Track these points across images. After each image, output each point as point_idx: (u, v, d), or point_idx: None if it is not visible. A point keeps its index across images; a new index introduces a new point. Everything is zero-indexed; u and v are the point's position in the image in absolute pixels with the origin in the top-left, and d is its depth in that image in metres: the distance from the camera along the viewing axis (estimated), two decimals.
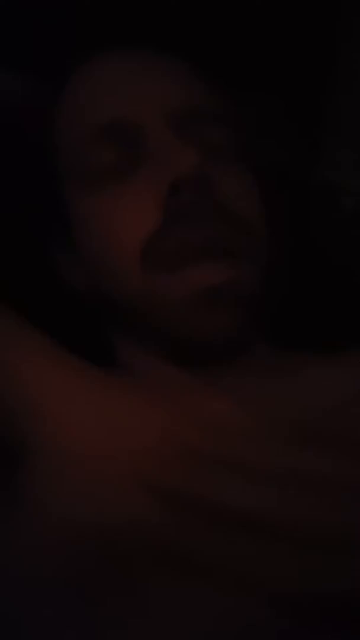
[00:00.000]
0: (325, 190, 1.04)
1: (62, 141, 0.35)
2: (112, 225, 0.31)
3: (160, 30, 0.37)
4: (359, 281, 0.46)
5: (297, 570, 0.22)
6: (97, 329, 0.38)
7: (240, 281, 0.30)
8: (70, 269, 0.37)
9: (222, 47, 0.44)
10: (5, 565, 0.25)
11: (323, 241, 0.52)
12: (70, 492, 0.25)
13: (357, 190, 1.08)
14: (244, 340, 0.33)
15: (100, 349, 0.36)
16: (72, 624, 0.22)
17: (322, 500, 0.23)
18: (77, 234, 0.35)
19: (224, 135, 0.34)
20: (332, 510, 0.23)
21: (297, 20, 0.53)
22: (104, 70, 0.35)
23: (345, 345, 0.37)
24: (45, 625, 0.23)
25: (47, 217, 0.37)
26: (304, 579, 0.21)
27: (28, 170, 0.37)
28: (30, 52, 0.40)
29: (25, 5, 0.41)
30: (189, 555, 0.21)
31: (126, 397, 0.30)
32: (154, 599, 0.22)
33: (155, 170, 0.30)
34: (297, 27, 0.54)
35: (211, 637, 0.21)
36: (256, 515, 0.23)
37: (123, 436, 0.28)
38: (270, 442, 0.26)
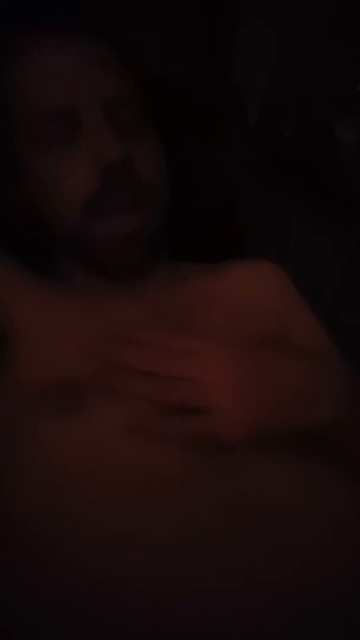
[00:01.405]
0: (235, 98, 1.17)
1: (15, 109, 0.45)
2: (59, 180, 0.44)
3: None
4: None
5: None
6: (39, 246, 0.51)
7: (145, 228, 0.46)
8: (17, 197, 0.49)
9: None
10: None
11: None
12: (37, 361, 0.41)
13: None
14: (148, 262, 0.49)
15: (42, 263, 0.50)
16: None
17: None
18: (26, 175, 0.46)
19: (139, 115, 0.46)
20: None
21: None
22: (48, 59, 0.44)
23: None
24: None
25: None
26: None
27: None
28: None
29: None
30: (107, 387, 0.38)
31: (66, 298, 0.46)
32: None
33: (92, 148, 0.43)
34: None
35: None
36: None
37: (67, 323, 0.44)
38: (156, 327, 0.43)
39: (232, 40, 1.17)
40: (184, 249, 0.57)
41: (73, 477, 0.35)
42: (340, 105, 1.27)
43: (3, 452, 0.38)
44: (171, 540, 0.32)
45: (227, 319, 0.46)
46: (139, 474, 0.35)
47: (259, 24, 1.12)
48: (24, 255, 0.48)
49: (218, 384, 0.37)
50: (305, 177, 1.02)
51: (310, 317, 0.53)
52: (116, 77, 0.45)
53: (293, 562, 0.33)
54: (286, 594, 0.31)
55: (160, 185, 0.47)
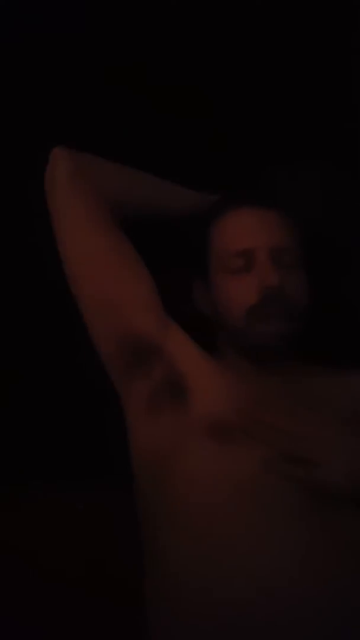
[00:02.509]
0: None
1: (214, 247, 0.70)
2: (234, 294, 0.66)
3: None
4: None
5: None
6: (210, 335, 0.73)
7: (289, 332, 0.65)
8: (200, 296, 0.72)
9: None
10: None
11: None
12: (205, 405, 0.61)
13: None
14: (287, 355, 0.68)
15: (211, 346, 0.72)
16: None
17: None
18: (212, 287, 0.70)
19: (294, 258, 0.67)
20: None
21: None
22: (237, 220, 0.68)
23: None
24: None
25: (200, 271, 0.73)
26: None
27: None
28: None
29: None
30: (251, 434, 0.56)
31: (227, 374, 0.67)
32: None
33: (258, 275, 0.65)
34: None
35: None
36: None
37: (226, 384, 0.64)
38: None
39: None
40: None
41: (221, 487, 0.53)
42: None
43: (171, 469, 0.58)
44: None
45: (343, 406, 0.62)
46: (268, 495, 0.52)
47: None
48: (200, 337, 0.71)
49: (331, 446, 0.53)
50: None
51: None
52: (282, 232, 0.68)
53: None
54: None
55: (302, 306, 0.67)
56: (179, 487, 0.57)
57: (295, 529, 0.50)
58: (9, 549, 0.75)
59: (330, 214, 0.82)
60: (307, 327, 0.70)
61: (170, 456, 0.59)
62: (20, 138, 0.85)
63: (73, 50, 0.88)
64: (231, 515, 0.52)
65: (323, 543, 0.49)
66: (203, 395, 0.62)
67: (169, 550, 0.56)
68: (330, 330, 0.79)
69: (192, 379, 0.64)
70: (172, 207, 0.74)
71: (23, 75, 0.89)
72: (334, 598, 0.47)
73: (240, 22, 0.89)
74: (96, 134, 0.78)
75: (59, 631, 0.70)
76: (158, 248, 0.75)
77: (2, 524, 0.77)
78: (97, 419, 0.81)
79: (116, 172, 0.72)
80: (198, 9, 0.88)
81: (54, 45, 0.88)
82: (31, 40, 0.88)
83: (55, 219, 0.69)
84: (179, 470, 0.58)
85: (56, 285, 0.71)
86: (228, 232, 0.69)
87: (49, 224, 0.70)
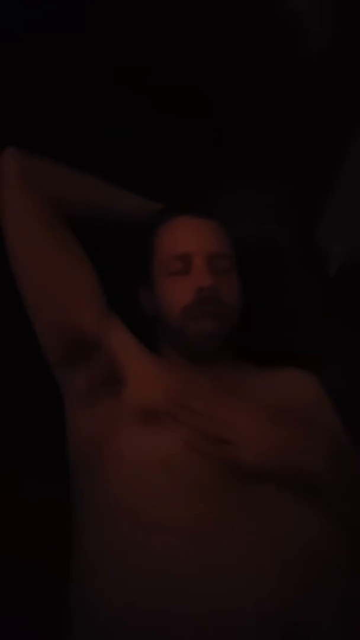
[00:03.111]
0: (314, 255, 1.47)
1: (156, 250, 0.76)
2: (171, 294, 0.72)
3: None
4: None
5: None
6: (152, 333, 0.79)
7: (219, 331, 0.71)
8: (146, 304, 0.78)
9: None
10: None
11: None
12: (138, 392, 0.65)
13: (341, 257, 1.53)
14: (217, 355, 0.74)
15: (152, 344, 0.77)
16: None
17: None
18: (154, 289, 0.75)
19: (228, 263, 0.74)
20: None
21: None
22: (179, 227, 0.75)
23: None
24: None
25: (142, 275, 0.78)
26: None
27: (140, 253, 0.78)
28: None
29: None
30: (176, 417, 0.61)
31: (161, 366, 0.71)
32: None
33: (195, 277, 0.71)
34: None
35: None
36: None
37: (159, 374, 0.68)
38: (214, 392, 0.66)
39: (322, 212, 1.51)
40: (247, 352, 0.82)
41: (147, 464, 0.57)
42: None
43: (99, 456, 0.62)
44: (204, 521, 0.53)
45: (266, 400, 0.68)
46: (189, 471, 0.56)
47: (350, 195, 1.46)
48: (140, 335, 0.76)
49: (246, 429, 0.58)
50: None
51: (333, 417, 0.72)
52: (218, 240, 0.75)
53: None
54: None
55: (234, 307, 0.73)
56: (111, 467, 0.60)
57: (216, 503, 0.55)
58: None
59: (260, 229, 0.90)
60: (240, 328, 0.76)
61: (104, 441, 0.63)
62: None
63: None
64: (158, 489, 0.56)
65: (241, 515, 0.54)
66: (138, 385, 0.66)
67: (99, 527, 0.58)
68: (259, 333, 0.86)
69: (129, 371, 0.68)
70: (117, 211, 0.80)
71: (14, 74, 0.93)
72: (251, 567, 0.50)
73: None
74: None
75: None
76: (108, 254, 0.80)
77: None
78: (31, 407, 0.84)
79: (63, 174, 0.77)
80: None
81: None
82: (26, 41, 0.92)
83: (1, 213, 0.73)
84: (112, 453, 0.61)
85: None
86: (169, 238, 0.75)
87: None
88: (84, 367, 0.70)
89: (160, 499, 0.55)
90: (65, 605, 0.57)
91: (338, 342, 1.20)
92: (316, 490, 0.56)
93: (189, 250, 0.72)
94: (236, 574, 0.49)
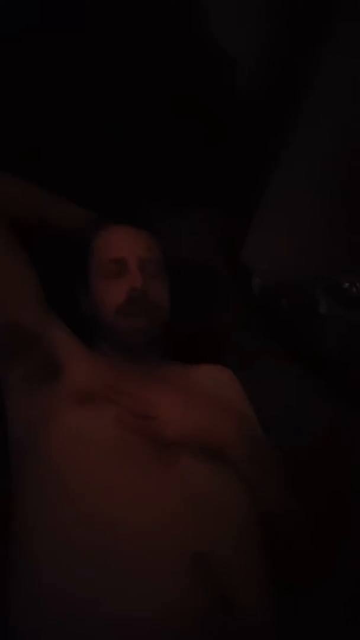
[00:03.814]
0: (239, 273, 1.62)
1: (93, 253, 0.85)
2: (107, 295, 0.81)
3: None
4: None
5: None
6: (90, 331, 0.87)
7: (149, 328, 0.81)
8: (85, 304, 0.86)
9: None
10: None
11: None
12: (75, 380, 0.73)
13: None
14: (148, 351, 0.83)
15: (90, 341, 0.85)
16: None
17: None
18: (91, 290, 0.84)
19: (156, 267, 0.84)
20: None
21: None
22: (114, 234, 0.85)
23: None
24: None
25: (79, 282, 0.87)
26: None
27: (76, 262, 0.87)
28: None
29: None
30: (109, 399, 0.69)
31: (98, 362, 0.80)
32: None
33: (127, 279, 0.80)
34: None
35: None
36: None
37: (96, 365, 0.77)
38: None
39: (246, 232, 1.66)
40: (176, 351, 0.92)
41: (83, 437, 0.65)
42: (323, 290, 1.73)
43: (39, 438, 0.69)
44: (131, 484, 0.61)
45: (185, 386, 0.78)
46: (119, 444, 0.65)
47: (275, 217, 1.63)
48: (78, 333, 0.84)
49: (167, 408, 0.67)
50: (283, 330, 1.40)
51: (245, 403, 0.83)
52: (150, 247, 0.85)
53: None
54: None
55: (162, 308, 0.84)
56: (51, 442, 0.67)
57: (142, 468, 0.63)
58: None
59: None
60: (169, 329, 0.87)
61: (43, 424, 0.69)
62: None
63: None
64: (92, 458, 0.64)
65: (163, 477, 0.63)
66: (74, 373, 0.74)
67: (35, 507, 0.64)
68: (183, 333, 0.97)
69: (66, 361, 0.76)
70: (58, 217, 0.88)
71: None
72: (169, 513, 0.59)
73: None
74: None
75: None
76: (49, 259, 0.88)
77: None
78: None
79: (11, 185, 0.84)
80: None
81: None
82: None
83: None
84: (50, 433, 0.68)
85: None
86: (106, 243, 0.85)
87: None
88: (24, 358, 0.76)
89: (95, 466, 0.63)
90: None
91: (258, 353, 1.33)
92: (226, 457, 0.66)
93: (123, 255, 0.82)
94: (159, 517, 0.58)
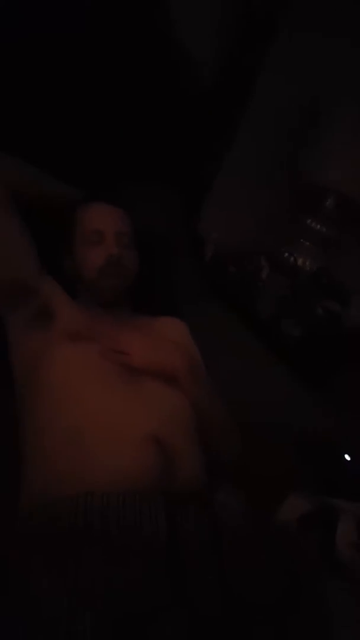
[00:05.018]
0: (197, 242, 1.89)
1: (78, 224, 1.07)
2: (89, 259, 1.04)
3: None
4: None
5: None
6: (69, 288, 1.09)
7: (122, 287, 1.05)
8: (68, 266, 1.08)
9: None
10: None
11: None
12: (64, 323, 0.96)
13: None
14: (121, 305, 1.08)
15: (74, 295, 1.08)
16: None
17: None
18: (76, 257, 1.06)
19: (130, 240, 1.07)
20: None
21: None
22: (96, 210, 1.07)
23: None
24: None
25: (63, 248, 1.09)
26: None
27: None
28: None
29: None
30: (92, 338, 0.94)
31: (81, 307, 1.03)
32: None
33: (105, 247, 1.03)
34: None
35: None
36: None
37: (80, 312, 1.00)
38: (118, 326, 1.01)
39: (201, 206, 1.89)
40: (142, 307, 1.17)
41: (74, 365, 0.89)
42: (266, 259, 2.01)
43: (40, 366, 0.92)
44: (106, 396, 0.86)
45: (149, 331, 1.03)
46: (101, 370, 0.89)
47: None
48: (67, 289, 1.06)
49: (136, 345, 0.92)
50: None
51: (193, 347, 1.10)
52: (124, 222, 1.08)
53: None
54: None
55: (132, 271, 1.07)
56: (47, 374, 0.90)
57: (121, 389, 0.88)
58: None
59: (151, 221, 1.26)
60: (137, 288, 1.11)
61: (41, 358, 0.92)
62: None
63: None
64: (81, 380, 0.87)
65: (132, 394, 0.87)
66: (65, 318, 0.97)
67: (41, 414, 0.87)
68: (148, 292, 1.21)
69: (57, 308, 0.99)
70: (53, 195, 1.09)
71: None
72: (135, 415, 0.83)
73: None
74: None
75: None
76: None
77: None
78: None
79: (13, 164, 1.02)
80: None
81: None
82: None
83: None
84: (47, 365, 0.91)
85: None
86: (89, 217, 1.07)
87: None
88: (23, 307, 0.98)
89: (82, 386, 0.87)
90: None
91: (206, 309, 1.59)
92: (179, 382, 0.93)
93: (102, 228, 1.04)
94: (127, 412, 0.84)
